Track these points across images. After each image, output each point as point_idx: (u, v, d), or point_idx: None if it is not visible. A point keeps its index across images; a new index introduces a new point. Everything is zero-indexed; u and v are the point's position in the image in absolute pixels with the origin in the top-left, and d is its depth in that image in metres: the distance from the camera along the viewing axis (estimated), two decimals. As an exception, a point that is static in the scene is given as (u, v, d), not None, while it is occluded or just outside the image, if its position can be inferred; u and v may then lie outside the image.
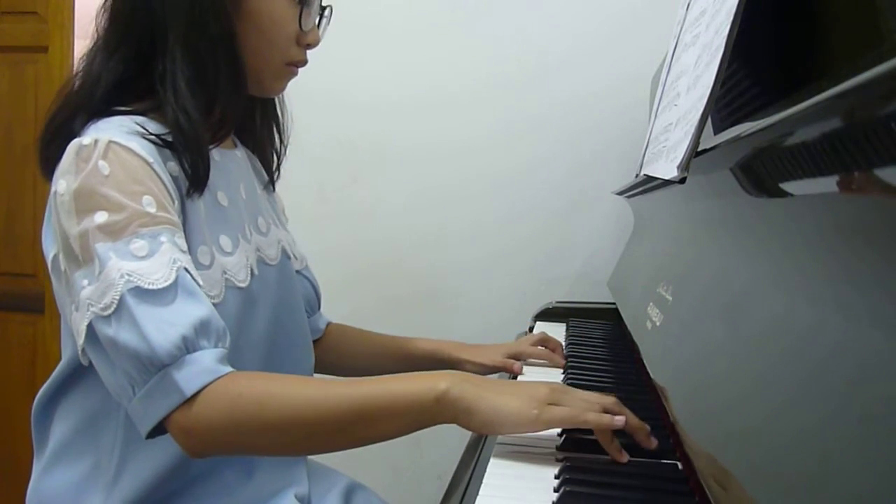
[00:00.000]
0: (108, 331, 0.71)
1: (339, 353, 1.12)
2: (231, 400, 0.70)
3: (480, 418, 0.69)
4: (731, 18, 0.64)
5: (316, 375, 1.02)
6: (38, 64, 2.26)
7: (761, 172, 0.59)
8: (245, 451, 0.80)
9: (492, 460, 0.72)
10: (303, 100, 1.04)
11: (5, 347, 2.31)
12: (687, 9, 1.00)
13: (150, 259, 0.72)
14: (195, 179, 0.80)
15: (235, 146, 0.95)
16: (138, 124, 0.78)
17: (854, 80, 0.37)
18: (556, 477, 0.68)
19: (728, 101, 0.80)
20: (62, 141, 0.78)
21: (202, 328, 0.71)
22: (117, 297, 0.70)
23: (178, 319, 0.70)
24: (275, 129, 1.01)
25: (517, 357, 1.10)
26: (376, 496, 0.99)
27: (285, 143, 1.02)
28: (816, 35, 0.64)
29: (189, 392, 0.69)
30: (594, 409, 0.71)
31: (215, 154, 0.87)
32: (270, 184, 1.03)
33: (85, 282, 0.73)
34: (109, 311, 0.71)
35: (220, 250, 0.83)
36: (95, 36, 0.84)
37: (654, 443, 0.72)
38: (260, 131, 1.00)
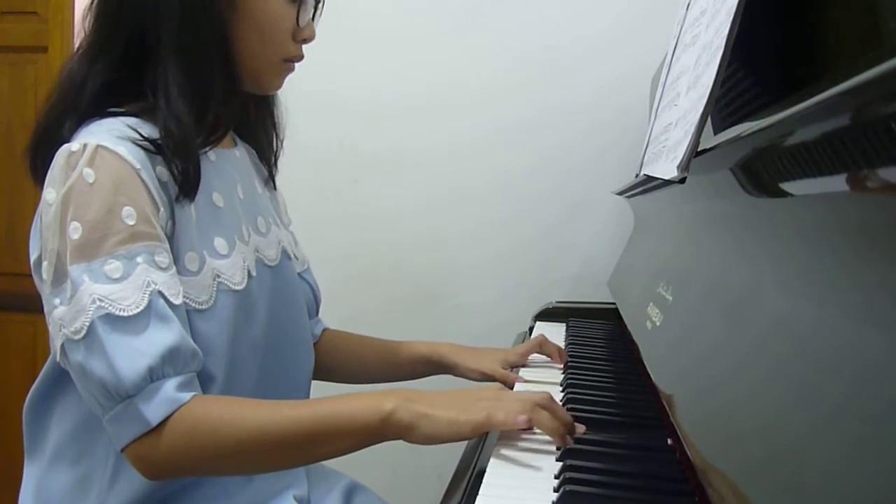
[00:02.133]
0: (77, 356, 0.72)
1: (334, 359, 1.11)
2: (186, 430, 0.71)
3: (419, 433, 0.72)
4: (731, 18, 0.64)
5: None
6: (38, 64, 2.26)
7: (761, 172, 0.59)
8: (200, 475, 0.81)
9: (492, 460, 0.72)
10: (304, 102, 1.04)
11: (5, 347, 2.31)
12: (687, 9, 1.01)
13: (124, 282, 0.72)
14: (185, 186, 0.79)
15: (235, 144, 0.95)
16: (131, 127, 0.77)
17: (854, 80, 0.37)
18: (556, 477, 0.68)
19: (728, 101, 0.80)
20: (49, 146, 0.78)
21: (170, 356, 0.72)
22: (88, 323, 0.71)
23: (147, 349, 0.71)
24: (270, 124, 1.00)
25: (510, 364, 1.09)
26: (376, 496, 0.99)
27: (281, 136, 1.02)
28: (816, 35, 0.64)
29: (154, 422, 0.71)
30: (517, 409, 0.73)
31: (211, 154, 0.86)
32: (271, 180, 1.03)
33: (57, 301, 0.73)
34: (80, 336, 0.71)
35: (213, 253, 0.82)
36: (83, 38, 0.83)
37: (568, 441, 0.74)
38: (255, 127, 0.99)
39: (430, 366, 1.11)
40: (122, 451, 0.73)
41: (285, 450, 0.74)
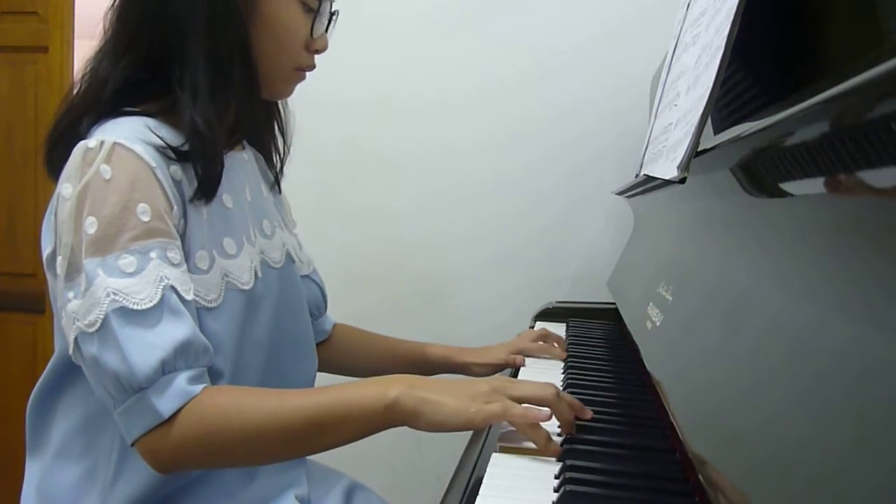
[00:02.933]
0: (91, 349, 0.72)
1: (347, 355, 1.14)
2: (195, 421, 0.72)
3: (426, 419, 0.72)
4: (731, 18, 0.64)
5: (319, 375, 1.02)
6: (38, 64, 2.26)
7: (761, 172, 0.59)
8: (210, 467, 0.82)
9: (492, 460, 0.72)
10: (305, 101, 1.04)
11: (5, 347, 2.31)
12: (687, 9, 1.01)
13: (138, 276, 0.73)
14: (207, 187, 0.81)
15: (243, 148, 0.96)
16: (148, 127, 0.78)
17: (854, 80, 0.37)
18: (556, 477, 0.68)
19: (728, 101, 0.80)
20: (68, 143, 0.78)
21: (182, 350, 0.72)
22: (102, 316, 0.71)
23: (160, 342, 0.71)
24: (277, 130, 1.01)
25: (519, 353, 1.14)
26: (376, 496, 0.99)
27: (288, 143, 1.03)
28: (816, 35, 0.64)
29: (166, 414, 0.71)
30: (530, 398, 0.75)
31: None
32: (276, 184, 1.03)
33: (71, 294, 0.74)
34: (94, 329, 0.72)
35: (222, 253, 0.83)
36: (103, 37, 0.84)
37: (554, 448, 0.73)
38: (263, 132, 1.00)
39: (441, 367, 1.15)
40: (134, 444, 0.73)
41: (292, 438, 0.74)
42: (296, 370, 0.95)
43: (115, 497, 0.79)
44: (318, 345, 1.07)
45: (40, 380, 0.85)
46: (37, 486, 0.83)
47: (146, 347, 0.71)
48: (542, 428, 0.73)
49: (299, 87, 0.95)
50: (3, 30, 2.28)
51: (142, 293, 0.72)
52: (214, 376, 0.80)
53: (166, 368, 0.72)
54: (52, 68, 2.25)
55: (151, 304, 0.72)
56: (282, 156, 1.03)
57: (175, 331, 0.72)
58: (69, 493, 0.81)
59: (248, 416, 0.73)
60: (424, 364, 1.14)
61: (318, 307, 1.09)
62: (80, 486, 0.81)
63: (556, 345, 1.18)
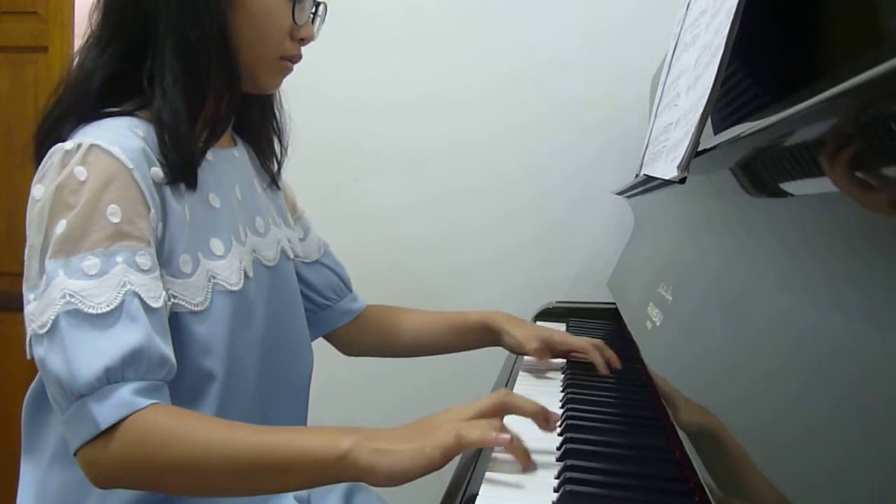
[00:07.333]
0: (39, 350, 0.71)
1: (378, 334, 1.13)
2: (135, 438, 0.68)
3: (383, 472, 0.67)
4: (731, 18, 0.64)
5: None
6: (38, 64, 2.26)
7: (761, 172, 0.59)
8: (146, 488, 0.76)
9: (492, 460, 0.72)
10: (305, 101, 1.04)
11: (5, 347, 2.30)
12: (687, 9, 1.00)
13: (100, 279, 0.70)
14: (183, 174, 0.79)
15: (234, 144, 0.94)
16: (129, 128, 0.77)
17: (854, 80, 0.37)
18: (556, 477, 0.68)
19: (728, 101, 0.80)
20: (55, 142, 0.77)
21: (131, 358, 0.69)
22: (53, 317, 0.70)
23: (108, 348, 0.68)
24: (273, 131, 1.00)
25: (551, 345, 1.08)
26: (377, 496, 0.99)
27: (285, 144, 1.01)
28: (816, 35, 0.64)
29: (103, 424, 0.67)
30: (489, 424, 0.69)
31: (209, 154, 0.85)
32: (274, 183, 1.02)
33: (31, 296, 0.73)
34: (44, 331, 0.70)
35: (209, 254, 0.82)
36: (89, 32, 0.83)
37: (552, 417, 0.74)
38: (258, 132, 0.98)
39: (485, 332, 1.12)
40: (75, 455, 0.70)
41: (235, 477, 0.69)
42: (292, 368, 0.95)
43: (112, 500, 0.78)
44: (346, 325, 1.08)
45: (32, 384, 0.84)
46: (34, 490, 0.82)
47: (93, 353, 0.68)
48: (517, 443, 0.69)
49: (299, 86, 0.94)
50: (3, 30, 2.27)
51: (100, 297, 0.69)
52: (208, 378, 0.79)
53: (111, 377, 0.68)
54: (52, 68, 2.24)
55: (108, 309, 0.69)
56: (279, 157, 1.01)
57: (127, 337, 0.69)
58: (66, 497, 0.80)
59: (191, 442, 0.68)
60: (471, 330, 1.12)
61: (336, 290, 1.08)
62: (78, 490, 0.80)
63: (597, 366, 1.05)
